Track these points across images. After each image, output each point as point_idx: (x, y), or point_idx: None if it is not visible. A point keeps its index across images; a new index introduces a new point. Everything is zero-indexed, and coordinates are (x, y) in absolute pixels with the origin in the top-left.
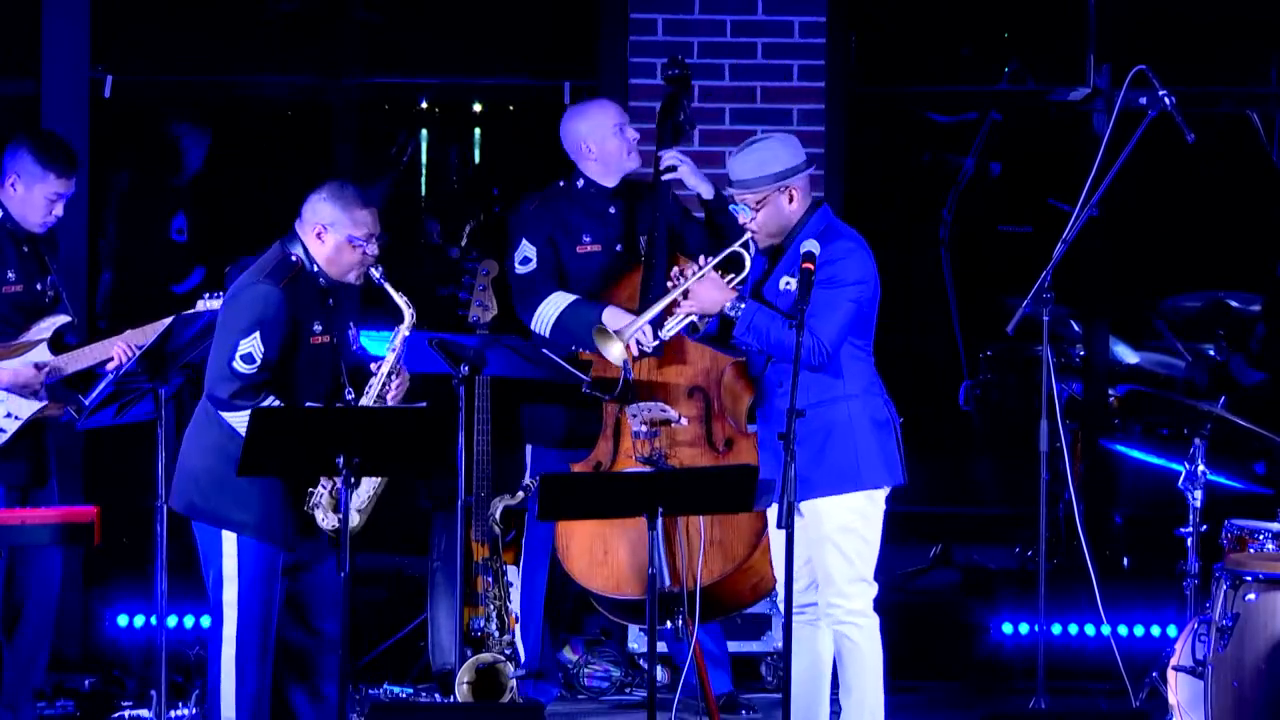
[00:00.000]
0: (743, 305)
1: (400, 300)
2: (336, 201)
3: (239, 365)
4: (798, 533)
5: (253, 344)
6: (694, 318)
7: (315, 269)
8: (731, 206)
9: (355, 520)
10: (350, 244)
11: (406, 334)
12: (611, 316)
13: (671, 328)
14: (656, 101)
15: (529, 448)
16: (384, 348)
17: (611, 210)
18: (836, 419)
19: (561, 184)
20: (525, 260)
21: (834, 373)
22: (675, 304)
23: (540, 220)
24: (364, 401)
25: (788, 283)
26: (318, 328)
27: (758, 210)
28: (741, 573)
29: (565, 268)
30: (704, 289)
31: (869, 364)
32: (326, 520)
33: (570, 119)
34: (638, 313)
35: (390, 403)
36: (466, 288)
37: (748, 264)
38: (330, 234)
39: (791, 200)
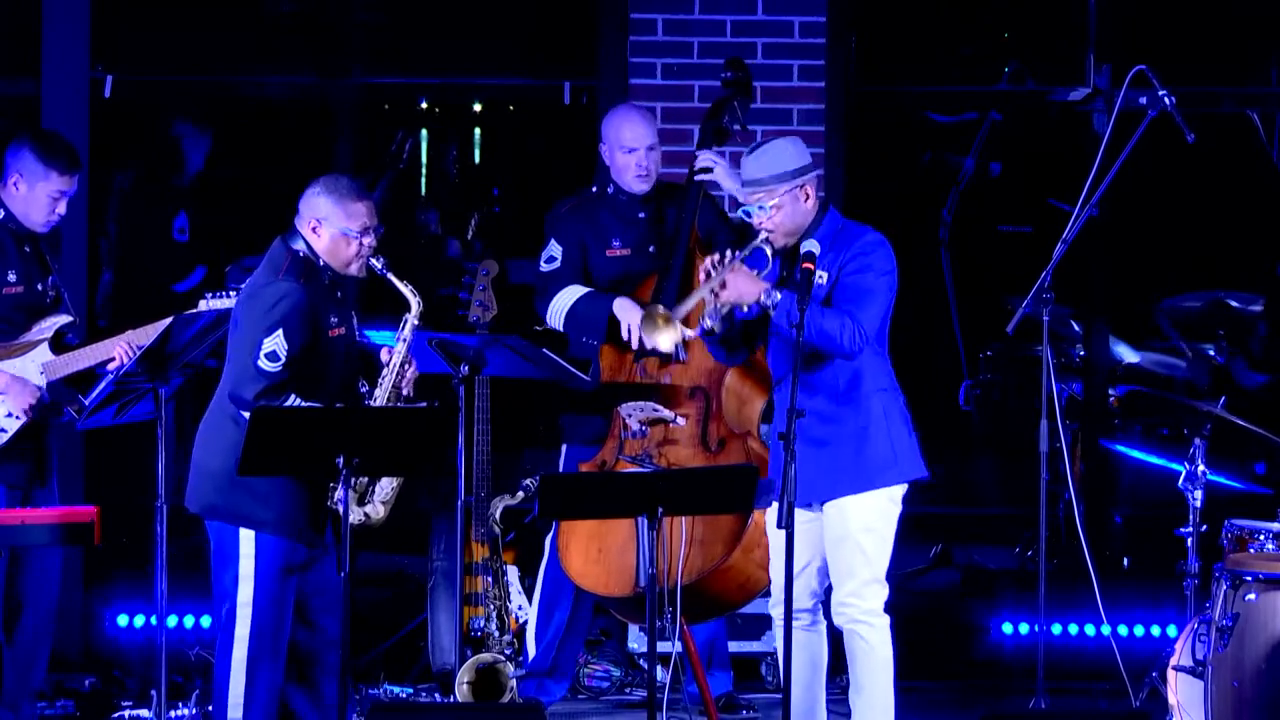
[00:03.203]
0: (777, 295)
1: (405, 290)
2: (330, 195)
3: (264, 364)
4: (806, 535)
5: (276, 342)
6: (728, 308)
7: (321, 263)
8: (743, 209)
9: (380, 512)
10: (345, 237)
11: (415, 323)
12: (622, 307)
13: (715, 317)
14: (656, 102)
15: (535, 449)
16: (391, 339)
17: (642, 215)
18: (872, 413)
19: (594, 189)
20: (550, 259)
21: (857, 370)
22: (714, 295)
23: (572, 223)
24: (378, 392)
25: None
26: (334, 320)
27: (776, 210)
28: (723, 572)
29: (594, 271)
30: (739, 280)
31: (887, 360)
32: (353, 514)
33: (603, 121)
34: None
35: (405, 391)
36: (466, 288)
37: (770, 258)
38: (325, 228)
39: (807, 199)
